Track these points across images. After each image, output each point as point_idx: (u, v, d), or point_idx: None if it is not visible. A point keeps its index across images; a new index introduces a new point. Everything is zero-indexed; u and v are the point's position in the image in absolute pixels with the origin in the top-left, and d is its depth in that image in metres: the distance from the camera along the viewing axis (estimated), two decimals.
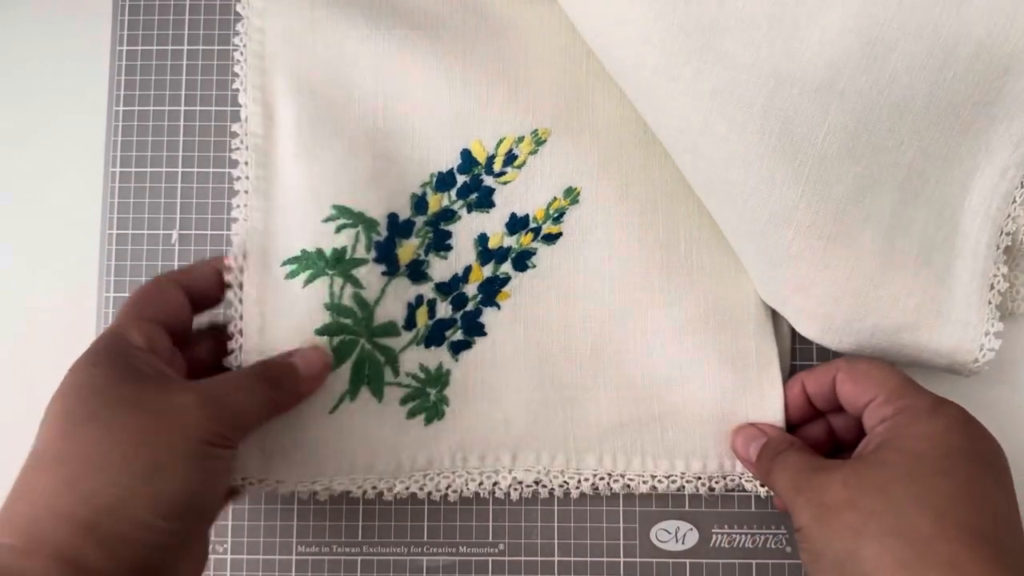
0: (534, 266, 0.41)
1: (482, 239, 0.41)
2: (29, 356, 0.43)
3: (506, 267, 0.41)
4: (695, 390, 0.40)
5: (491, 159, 0.41)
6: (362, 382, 0.39)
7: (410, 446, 0.39)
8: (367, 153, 0.40)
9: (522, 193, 0.41)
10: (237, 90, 0.41)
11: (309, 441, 0.39)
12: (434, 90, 0.41)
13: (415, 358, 0.40)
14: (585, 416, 0.40)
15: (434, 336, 0.40)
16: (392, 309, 0.40)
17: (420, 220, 0.41)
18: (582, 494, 0.40)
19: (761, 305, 0.40)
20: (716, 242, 0.41)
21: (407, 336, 0.40)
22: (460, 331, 0.41)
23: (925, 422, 0.32)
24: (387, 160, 0.41)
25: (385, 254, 0.40)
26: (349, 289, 0.39)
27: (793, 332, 0.41)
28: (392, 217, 0.40)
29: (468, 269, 0.41)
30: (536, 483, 0.40)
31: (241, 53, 0.41)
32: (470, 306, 0.41)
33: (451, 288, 0.41)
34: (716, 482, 0.40)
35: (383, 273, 0.40)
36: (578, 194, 0.41)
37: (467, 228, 0.41)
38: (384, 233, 0.40)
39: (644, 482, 0.40)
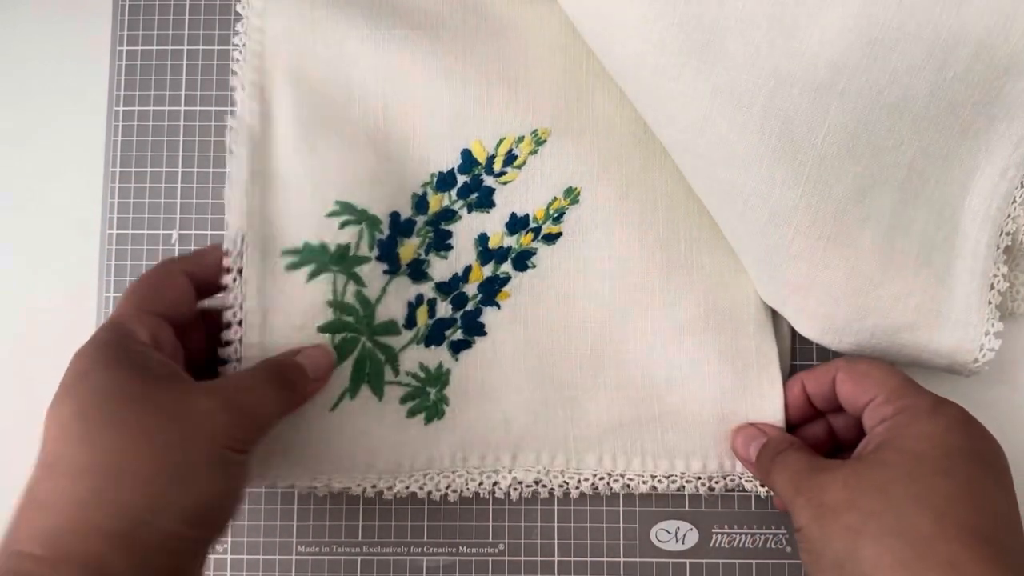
0: (534, 266, 0.41)
1: (482, 239, 0.41)
2: (29, 356, 0.43)
3: (506, 267, 0.41)
4: (695, 390, 0.40)
5: (491, 159, 0.41)
6: (363, 380, 0.39)
7: (410, 445, 0.39)
8: (368, 152, 0.40)
9: (522, 193, 0.41)
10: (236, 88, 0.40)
11: (309, 439, 0.38)
12: (434, 90, 0.41)
13: (415, 357, 0.40)
14: (585, 416, 0.40)
15: (434, 335, 0.41)
16: (393, 308, 0.40)
17: (421, 220, 0.41)
18: (582, 494, 0.40)
19: (761, 305, 0.40)
20: (716, 242, 0.41)
21: (407, 335, 0.40)
22: (460, 331, 0.41)
23: (925, 422, 0.32)
24: (388, 159, 0.40)
25: (387, 253, 0.40)
26: (352, 287, 0.39)
27: (793, 332, 0.41)
28: (394, 216, 0.40)
29: (468, 269, 0.41)
30: (536, 483, 0.40)
31: (240, 52, 0.40)
32: (470, 306, 0.41)
33: (451, 288, 0.41)
34: (716, 482, 0.40)
35: (384, 272, 0.40)
36: (578, 194, 0.41)
37: (467, 228, 0.41)
38: (386, 232, 0.40)
39: (644, 482, 0.40)
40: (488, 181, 0.41)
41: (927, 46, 0.34)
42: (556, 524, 0.41)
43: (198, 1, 0.44)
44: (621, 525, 0.41)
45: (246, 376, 0.35)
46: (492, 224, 0.41)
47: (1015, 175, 0.37)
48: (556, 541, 0.41)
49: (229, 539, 0.41)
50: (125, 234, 0.43)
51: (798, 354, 0.42)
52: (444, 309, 0.41)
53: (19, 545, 0.27)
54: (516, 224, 0.41)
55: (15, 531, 0.28)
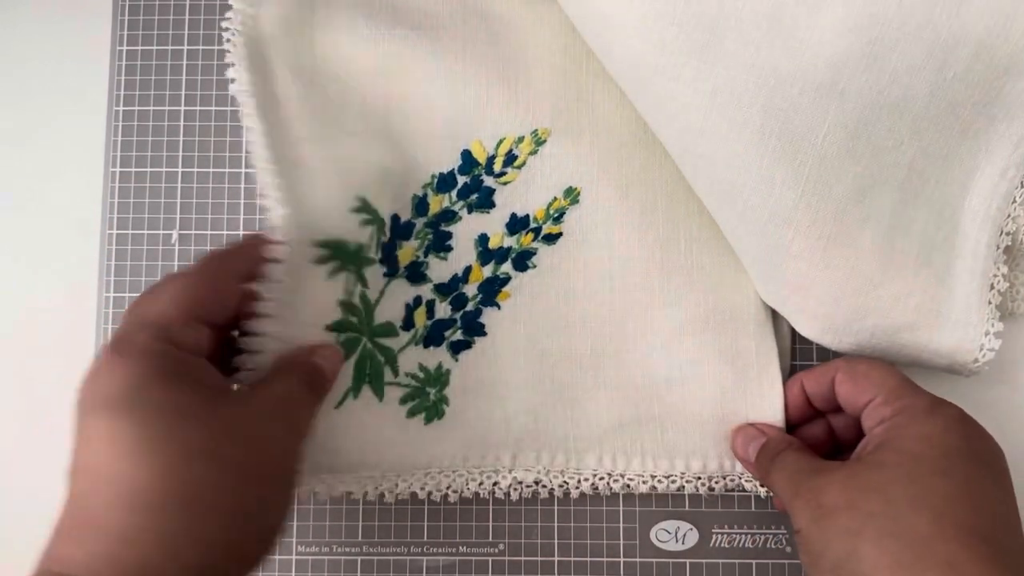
0: (534, 266, 0.41)
1: (482, 239, 0.41)
2: (29, 356, 0.43)
3: (506, 267, 0.41)
4: (695, 390, 0.40)
5: (491, 159, 0.41)
6: (364, 381, 0.39)
7: (410, 445, 0.39)
8: (376, 151, 0.40)
9: (522, 193, 0.41)
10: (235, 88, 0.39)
11: (312, 437, 0.38)
12: (434, 90, 0.41)
13: (414, 358, 0.40)
14: (585, 416, 0.40)
15: (433, 336, 0.41)
16: (390, 310, 0.40)
17: (420, 222, 0.41)
18: (582, 494, 0.40)
19: (761, 305, 0.40)
20: (716, 242, 0.41)
21: (405, 336, 0.40)
22: (460, 331, 0.41)
23: (923, 423, 0.32)
24: (390, 160, 0.40)
25: (388, 255, 0.40)
26: (359, 288, 0.39)
27: (793, 332, 0.41)
28: (394, 219, 0.40)
29: (468, 269, 0.41)
30: (536, 483, 0.40)
31: (234, 51, 0.38)
32: (470, 306, 0.41)
33: (451, 288, 0.41)
34: (716, 482, 0.40)
35: (384, 274, 0.40)
36: (578, 194, 0.41)
37: (467, 228, 0.41)
38: (388, 235, 0.40)
39: (644, 482, 0.40)
40: (488, 181, 0.41)
41: (927, 46, 0.34)
42: (556, 524, 0.41)
43: (198, 1, 0.44)
44: (621, 525, 0.41)
45: (285, 384, 0.33)
46: (492, 224, 0.41)
47: (1015, 175, 0.37)
48: (556, 541, 0.41)
49: None
50: (125, 234, 0.43)
51: (798, 354, 0.42)
52: (443, 310, 0.41)
53: (73, 570, 0.26)
54: (516, 224, 0.41)
55: (60, 550, 0.27)
